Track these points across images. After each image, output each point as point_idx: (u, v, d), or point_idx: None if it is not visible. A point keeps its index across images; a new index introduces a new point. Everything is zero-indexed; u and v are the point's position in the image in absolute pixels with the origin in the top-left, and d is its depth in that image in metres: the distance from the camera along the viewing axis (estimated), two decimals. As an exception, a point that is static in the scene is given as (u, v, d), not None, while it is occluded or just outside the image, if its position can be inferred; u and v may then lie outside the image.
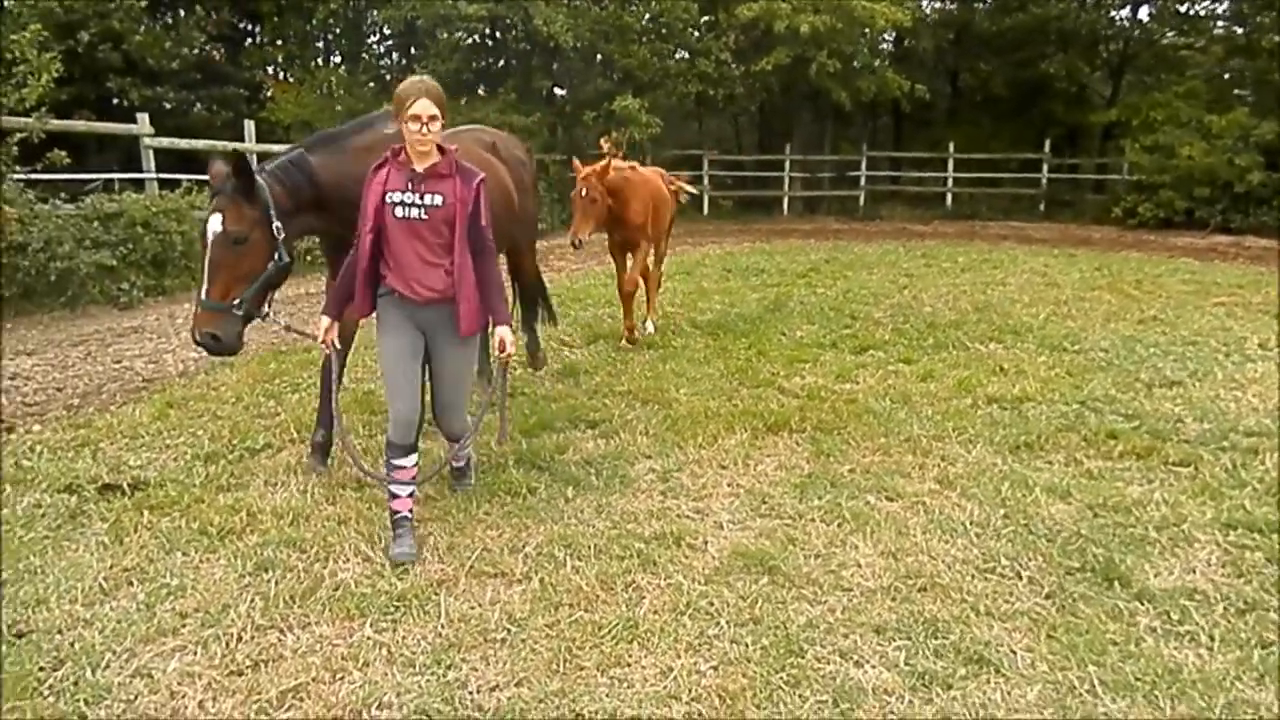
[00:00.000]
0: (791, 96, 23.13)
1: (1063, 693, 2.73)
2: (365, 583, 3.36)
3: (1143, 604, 3.22)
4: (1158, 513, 3.98)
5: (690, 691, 2.72)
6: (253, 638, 3.00)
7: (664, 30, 20.37)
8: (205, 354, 4.24)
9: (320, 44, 25.56)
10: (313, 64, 24.66)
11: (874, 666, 2.85)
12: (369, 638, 3.01)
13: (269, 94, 22.74)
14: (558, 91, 22.01)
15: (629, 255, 7.30)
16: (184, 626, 3.06)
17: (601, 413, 5.42)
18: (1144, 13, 24.02)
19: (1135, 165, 20.05)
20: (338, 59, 25.88)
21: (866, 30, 20.21)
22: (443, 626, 3.08)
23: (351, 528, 3.82)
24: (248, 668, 2.84)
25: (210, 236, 3.65)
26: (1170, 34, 23.99)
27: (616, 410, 5.48)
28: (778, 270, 12.39)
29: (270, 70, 23.28)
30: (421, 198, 3.43)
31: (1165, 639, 3.02)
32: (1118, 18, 24.36)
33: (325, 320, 3.69)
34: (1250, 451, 4.73)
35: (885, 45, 24.49)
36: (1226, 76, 23.21)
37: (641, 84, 20.24)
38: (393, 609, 3.17)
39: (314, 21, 23.00)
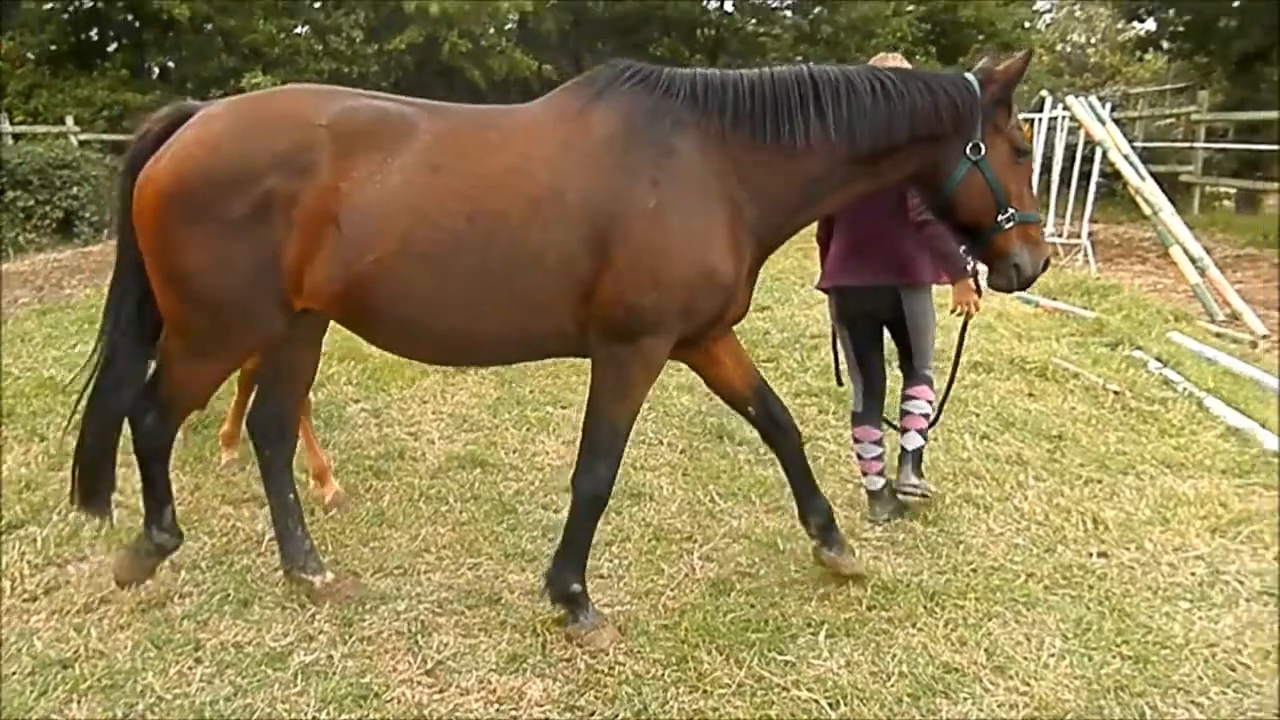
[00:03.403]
0: (426, 74, 23.62)
1: (694, 505, 3.99)
2: (125, 521, 3.78)
3: (742, 447, 4.61)
4: (752, 393, 5.47)
5: (436, 544, 3.61)
6: (34, 575, 3.36)
7: (288, 5, 19.92)
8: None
9: None
10: None
11: (566, 510, 3.91)
12: (149, 558, 3.51)
13: None
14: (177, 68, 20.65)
15: None
16: (-43, 579, 3.34)
17: (302, 372, 5.96)
18: (728, 3, 27.56)
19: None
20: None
21: (493, 12, 21.26)
22: (213, 540, 3.66)
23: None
24: (42, 594, 3.24)
25: None
26: (752, 22, 27.80)
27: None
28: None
29: None
30: None
31: (757, 466, 4.41)
32: (709, 6, 27.70)
33: None
34: (813, 349, 6.46)
35: (511, 26, 25.73)
36: (799, 59, 27.46)
37: (271, 60, 19.67)
38: (164, 534, 3.67)
39: None
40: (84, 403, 3.13)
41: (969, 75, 2.98)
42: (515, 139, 2.84)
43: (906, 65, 3.60)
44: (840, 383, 4.24)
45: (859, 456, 3.94)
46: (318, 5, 21.06)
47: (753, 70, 2.91)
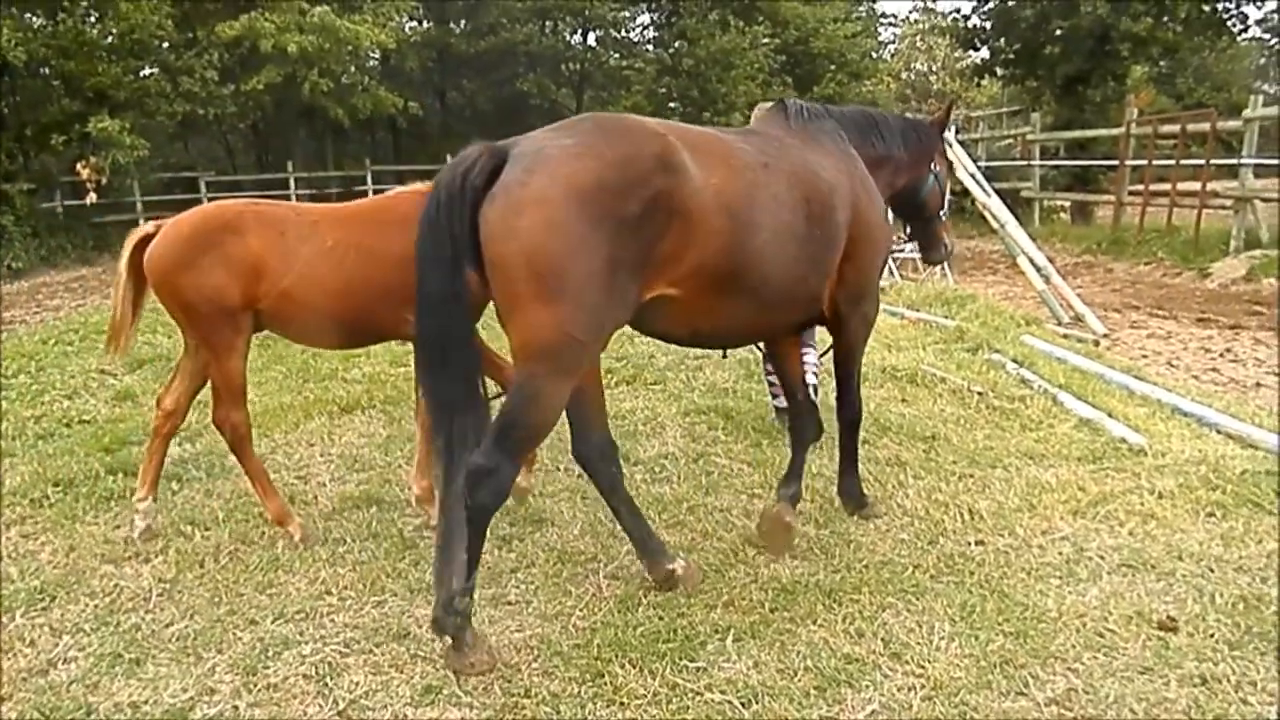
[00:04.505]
0: (287, 114, 23.05)
1: (595, 527, 4.05)
2: (4, 585, 3.57)
3: (638, 468, 4.71)
4: (643, 414, 5.59)
5: (337, 586, 3.54)
6: (-106, 655, 3.13)
7: (136, 48, 19.10)
8: None
9: None
10: None
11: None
12: (25, 623, 3.31)
13: None
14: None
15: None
16: None
17: (177, 423, 5.72)
18: (592, 39, 28.03)
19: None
20: None
21: (354, 50, 20.95)
22: (95, 601, 3.48)
23: (-48, 556, 3.89)
24: (-94, 674, 3.01)
25: None
26: (615, 56, 28.33)
27: (191, 418, 5.80)
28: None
29: None
30: None
31: (653, 484, 4.52)
32: (573, 42, 28.10)
33: None
34: (697, 369, 6.64)
35: (373, 64, 25.42)
36: (662, 91, 28.11)
37: (118, 104, 18.80)
38: (40, 598, 3.48)
39: None
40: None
41: (922, 119, 4.41)
42: (782, 146, 3.45)
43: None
44: None
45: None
46: (167, 46, 20.25)
47: (838, 107, 4.01)
